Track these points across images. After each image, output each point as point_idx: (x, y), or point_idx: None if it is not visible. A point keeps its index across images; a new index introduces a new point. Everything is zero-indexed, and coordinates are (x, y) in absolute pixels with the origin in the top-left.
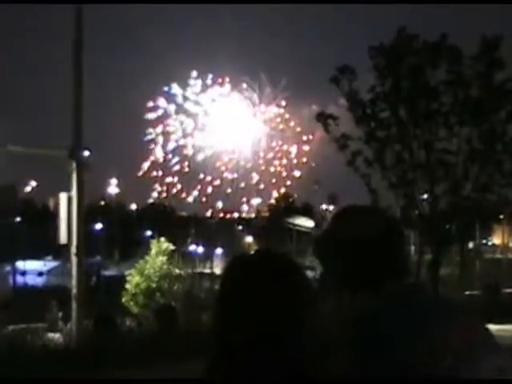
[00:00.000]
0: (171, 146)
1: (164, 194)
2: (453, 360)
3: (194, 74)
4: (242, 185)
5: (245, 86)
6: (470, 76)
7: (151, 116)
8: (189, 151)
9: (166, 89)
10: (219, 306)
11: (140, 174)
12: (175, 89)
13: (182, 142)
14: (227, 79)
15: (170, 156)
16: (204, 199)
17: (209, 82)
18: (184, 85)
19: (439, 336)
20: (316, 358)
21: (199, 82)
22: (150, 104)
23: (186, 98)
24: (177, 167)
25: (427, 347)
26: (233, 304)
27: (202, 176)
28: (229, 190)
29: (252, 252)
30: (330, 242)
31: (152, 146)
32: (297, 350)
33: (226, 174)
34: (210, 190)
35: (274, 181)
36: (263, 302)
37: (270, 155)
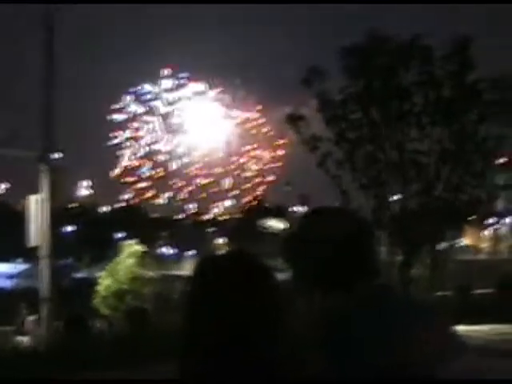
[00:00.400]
0: (142, 150)
1: (136, 199)
2: (422, 360)
3: (166, 72)
4: (215, 189)
5: (216, 88)
6: (441, 76)
7: (120, 118)
8: (161, 155)
9: (137, 89)
10: (188, 306)
11: (113, 177)
12: (146, 89)
13: (152, 145)
14: (199, 81)
15: (140, 161)
16: (176, 201)
17: (180, 82)
18: (154, 85)
19: (408, 337)
20: (287, 360)
21: (170, 82)
22: (119, 105)
23: (156, 99)
24: (148, 172)
25: (397, 348)
26: (202, 304)
27: (174, 180)
28: (201, 193)
29: (222, 252)
30: (298, 244)
31: (122, 150)
32: (267, 351)
33: (198, 179)
34: (182, 192)
35: (246, 185)
36: (233, 303)
37: (242, 159)
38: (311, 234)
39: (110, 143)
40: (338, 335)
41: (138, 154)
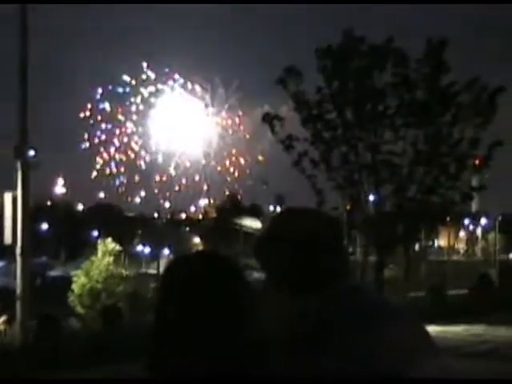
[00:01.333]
0: (117, 148)
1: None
2: (392, 361)
3: (144, 67)
4: (191, 189)
5: (196, 86)
6: (415, 79)
7: (92, 116)
8: (137, 154)
9: (110, 87)
10: (158, 305)
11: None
12: (121, 86)
13: (128, 143)
14: (178, 77)
15: (114, 162)
16: (151, 200)
17: (158, 80)
18: (131, 82)
19: (378, 337)
20: (256, 360)
21: (148, 79)
22: (91, 103)
23: (133, 95)
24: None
25: (367, 348)
26: (170, 304)
27: (150, 178)
28: (176, 189)
29: (193, 253)
30: (269, 244)
31: (98, 148)
32: (237, 351)
33: (174, 175)
34: (157, 191)
35: (223, 183)
36: (201, 303)
37: (221, 157)
38: (281, 234)
39: (83, 143)
40: (306, 336)
41: (113, 153)
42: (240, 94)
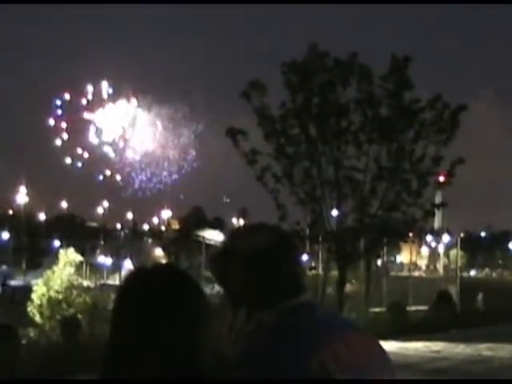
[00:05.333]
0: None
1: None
2: (345, 377)
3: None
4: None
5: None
6: (379, 95)
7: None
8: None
9: (57, 102)
10: (115, 317)
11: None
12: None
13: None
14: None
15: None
16: (114, 210)
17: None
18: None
19: (330, 352)
20: (209, 375)
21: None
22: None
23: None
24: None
25: (317, 362)
26: (127, 316)
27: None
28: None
29: (151, 266)
30: (225, 260)
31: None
32: (189, 366)
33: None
34: (120, 201)
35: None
36: (158, 316)
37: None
38: (234, 249)
39: (49, 149)
40: (258, 352)
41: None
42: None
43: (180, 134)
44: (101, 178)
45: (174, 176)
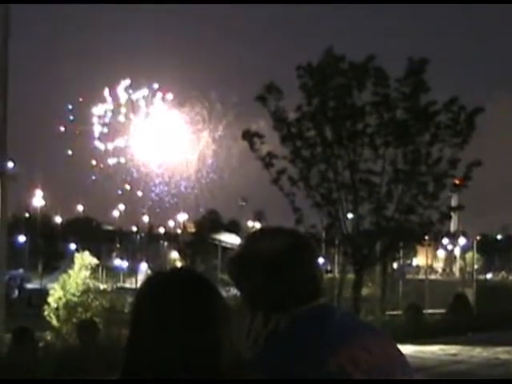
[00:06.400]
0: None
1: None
2: (364, 379)
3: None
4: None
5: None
6: (395, 98)
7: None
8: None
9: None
10: (134, 320)
11: None
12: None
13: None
14: (172, 93)
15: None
16: (130, 214)
17: (153, 94)
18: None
19: (348, 356)
20: (227, 378)
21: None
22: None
23: (123, 108)
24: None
25: (336, 365)
26: (146, 319)
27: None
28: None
29: (169, 269)
30: (242, 264)
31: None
32: (208, 369)
33: (157, 190)
34: (136, 205)
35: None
36: (177, 320)
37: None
38: (252, 253)
39: (66, 152)
40: (275, 355)
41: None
42: (238, 110)
43: (200, 138)
44: (120, 192)
45: (192, 182)
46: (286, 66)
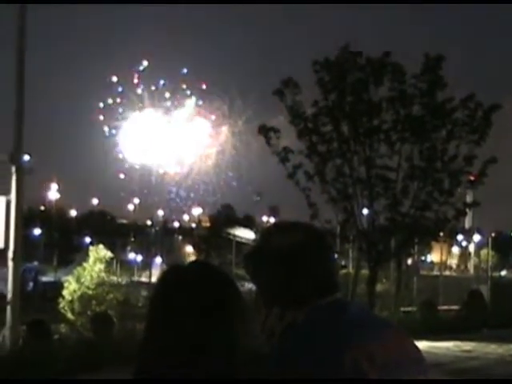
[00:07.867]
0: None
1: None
2: (380, 376)
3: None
4: (191, 194)
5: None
6: (412, 94)
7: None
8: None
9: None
10: (151, 313)
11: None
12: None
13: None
14: (203, 85)
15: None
16: (145, 207)
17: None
18: (144, 87)
19: (364, 351)
20: (242, 372)
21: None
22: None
23: (142, 101)
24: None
25: (351, 361)
26: (163, 313)
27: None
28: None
29: (186, 264)
30: (258, 258)
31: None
32: (225, 363)
33: (173, 188)
34: (151, 199)
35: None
36: (193, 314)
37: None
38: (268, 247)
39: (80, 146)
40: (289, 349)
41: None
42: (256, 106)
43: (219, 133)
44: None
45: (210, 179)
46: (303, 60)
